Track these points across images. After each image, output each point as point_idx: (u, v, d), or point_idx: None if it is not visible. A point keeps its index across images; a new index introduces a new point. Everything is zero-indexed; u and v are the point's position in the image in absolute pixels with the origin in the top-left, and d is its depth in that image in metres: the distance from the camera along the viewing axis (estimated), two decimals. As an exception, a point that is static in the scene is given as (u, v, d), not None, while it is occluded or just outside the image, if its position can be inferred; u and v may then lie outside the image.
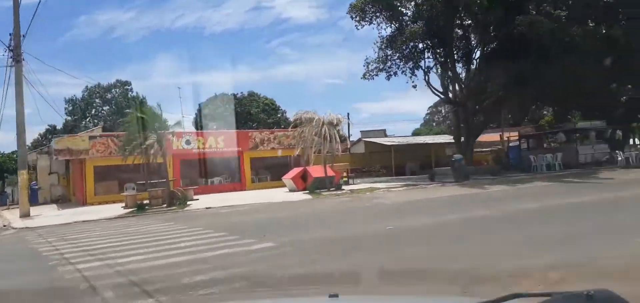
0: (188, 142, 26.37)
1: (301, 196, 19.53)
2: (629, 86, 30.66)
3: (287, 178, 23.03)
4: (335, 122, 22.10)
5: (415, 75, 26.95)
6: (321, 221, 11.92)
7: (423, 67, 27.09)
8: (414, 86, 27.28)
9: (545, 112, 40.04)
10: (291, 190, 22.16)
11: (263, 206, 17.00)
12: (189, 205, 18.95)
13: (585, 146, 26.81)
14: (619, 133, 31.29)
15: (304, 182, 22.08)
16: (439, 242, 7.84)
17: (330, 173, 21.76)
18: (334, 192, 20.16)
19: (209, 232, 10.11)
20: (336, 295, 1.77)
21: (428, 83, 27.47)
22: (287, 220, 12.62)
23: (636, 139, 37.30)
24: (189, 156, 26.37)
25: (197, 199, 20.56)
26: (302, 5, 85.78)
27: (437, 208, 13.30)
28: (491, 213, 11.18)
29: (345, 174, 25.68)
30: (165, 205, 19.16)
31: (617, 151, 27.03)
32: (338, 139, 21.55)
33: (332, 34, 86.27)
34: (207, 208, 17.29)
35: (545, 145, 29.88)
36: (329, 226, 10.61)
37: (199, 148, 26.57)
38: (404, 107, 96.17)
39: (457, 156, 23.16)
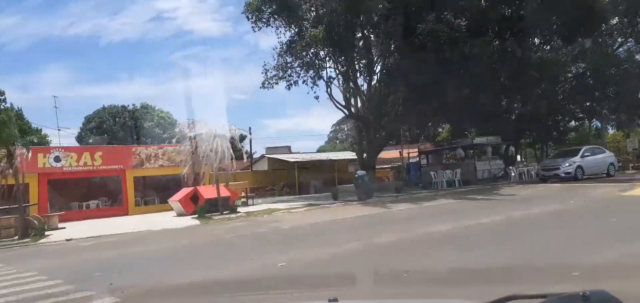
0: (57, 159, 22.48)
1: (188, 221, 17.01)
2: (515, 105, 32.15)
3: (174, 201, 20.30)
4: (229, 135, 19.92)
5: (317, 85, 25.83)
6: (198, 256, 9.69)
7: (325, 78, 26.04)
8: (316, 97, 26.10)
9: (440, 129, 41.09)
10: (179, 214, 19.51)
11: (139, 235, 14.30)
12: (47, 235, 15.68)
13: (483, 162, 27.21)
14: (512, 148, 32.61)
15: (194, 204, 19.56)
16: (343, 283, 6.10)
17: (225, 193, 19.52)
18: (227, 215, 17.89)
19: (40, 280, 7.48)
20: (335, 300, 1.78)
21: (330, 95, 26.40)
22: (157, 255, 10.22)
23: (522, 156, 39.50)
24: (59, 175, 22.55)
25: (64, 227, 17.45)
26: (205, 18, 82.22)
27: (340, 232, 11.73)
28: (399, 237, 9.79)
29: (243, 194, 23.56)
30: (17, 237, 15.80)
31: (510, 167, 27.86)
32: (232, 155, 19.36)
33: (237, 48, 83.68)
34: (67, 240, 14.21)
35: (444, 161, 30.10)
36: (205, 264, 8.43)
37: (71, 165, 22.77)
38: (309, 124, 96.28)
39: (361, 172, 22.15)
